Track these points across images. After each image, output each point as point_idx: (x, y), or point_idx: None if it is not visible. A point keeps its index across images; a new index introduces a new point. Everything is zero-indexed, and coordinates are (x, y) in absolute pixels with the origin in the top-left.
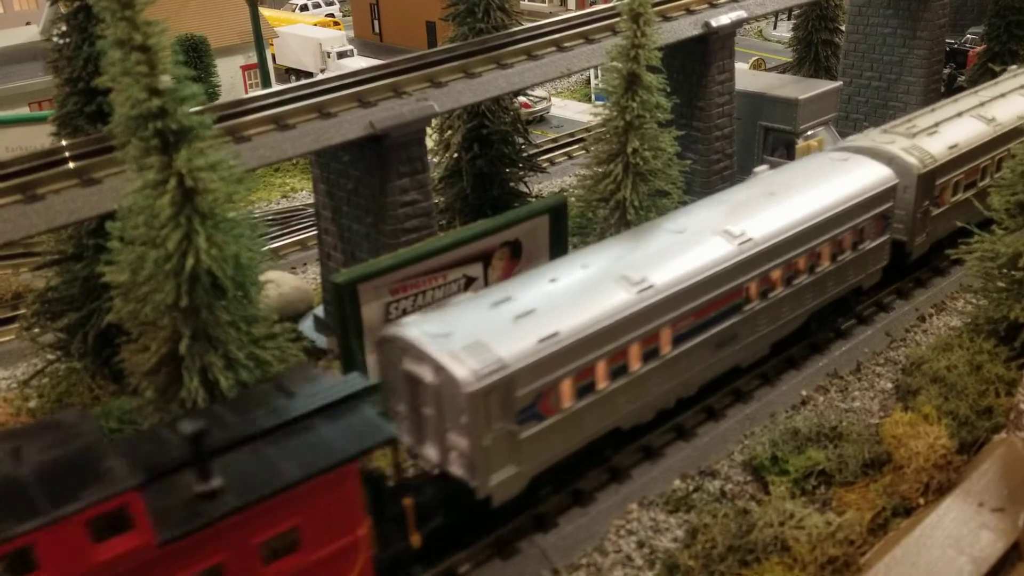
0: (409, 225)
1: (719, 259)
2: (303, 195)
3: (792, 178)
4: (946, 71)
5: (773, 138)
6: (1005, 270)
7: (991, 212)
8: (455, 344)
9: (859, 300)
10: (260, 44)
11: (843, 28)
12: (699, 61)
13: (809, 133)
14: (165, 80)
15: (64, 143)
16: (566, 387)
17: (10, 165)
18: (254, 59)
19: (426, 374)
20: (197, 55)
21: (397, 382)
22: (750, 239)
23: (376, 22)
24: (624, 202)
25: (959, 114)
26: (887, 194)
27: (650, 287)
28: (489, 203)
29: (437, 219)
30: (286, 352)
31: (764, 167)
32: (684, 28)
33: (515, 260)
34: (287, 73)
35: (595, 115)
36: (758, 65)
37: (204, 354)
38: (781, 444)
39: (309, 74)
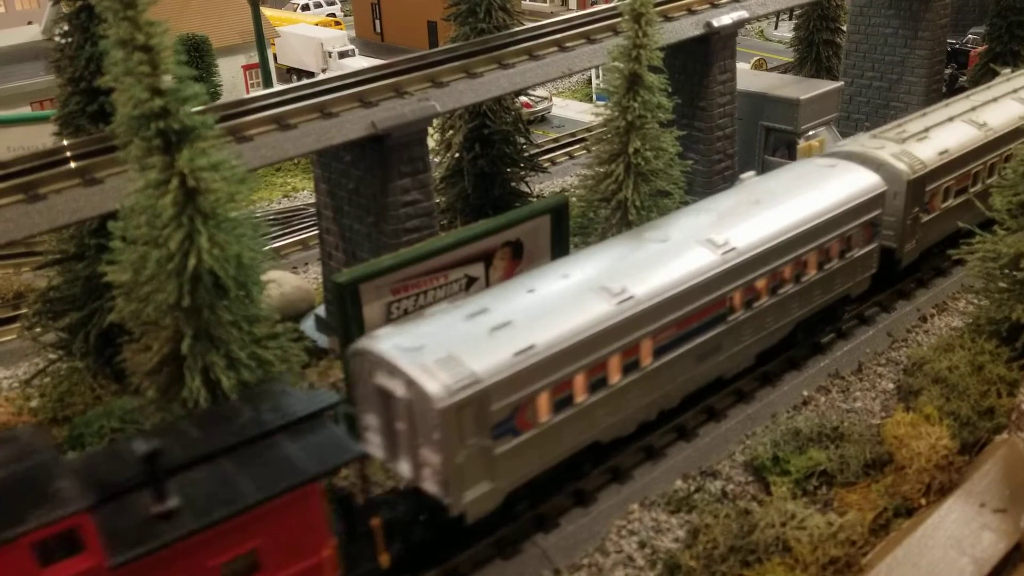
0: (410, 225)
1: (702, 269)
2: (304, 195)
3: (778, 185)
4: (948, 71)
5: (774, 138)
6: (1007, 270)
7: (993, 212)
8: (427, 358)
9: (847, 309)
10: (262, 44)
11: (844, 28)
12: (701, 61)
13: (810, 133)
14: (167, 80)
15: (66, 143)
16: (543, 401)
17: (12, 165)
18: (255, 59)
19: (397, 389)
20: (199, 55)
21: (369, 396)
22: (734, 248)
23: (377, 22)
24: (626, 202)
25: (950, 119)
26: (875, 201)
27: (630, 298)
28: (490, 203)
29: (438, 219)
30: (288, 352)
31: (751, 173)
32: (686, 28)
33: (516, 260)
34: (288, 73)
35: (596, 115)
36: (759, 65)
37: (206, 354)
38: (782, 444)
39: (311, 74)
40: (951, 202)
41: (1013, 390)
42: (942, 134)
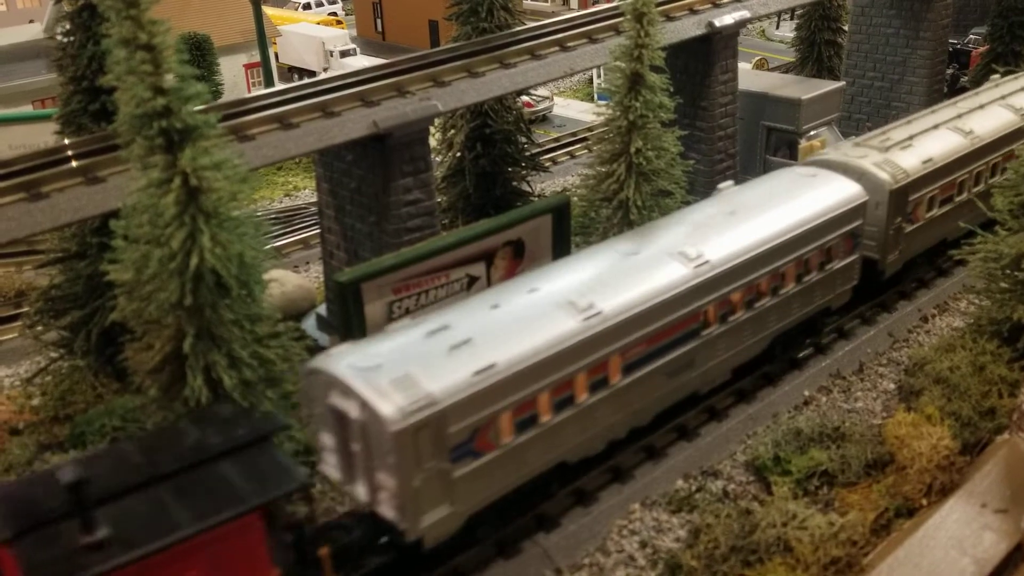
0: (412, 224)
1: (673, 283)
2: (306, 194)
3: (756, 196)
4: (949, 71)
5: (776, 138)
6: (1008, 271)
7: (994, 213)
8: (382, 378)
9: (827, 321)
10: (263, 43)
11: (846, 28)
12: (702, 61)
13: (812, 133)
14: (169, 79)
15: (67, 141)
16: (505, 421)
17: (14, 163)
18: (257, 58)
19: (352, 410)
20: (200, 54)
21: (324, 417)
22: (707, 261)
23: (379, 21)
24: (627, 202)
25: (935, 126)
26: (856, 212)
27: (597, 314)
28: (492, 202)
29: (440, 218)
30: (289, 351)
31: (728, 183)
32: (687, 28)
33: (518, 260)
34: (290, 72)
35: (598, 114)
36: (761, 65)
37: (208, 353)
38: (784, 444)
39: (312, 73)
40: (936, 212)
41: (1014, 390)
42: (926, 142)
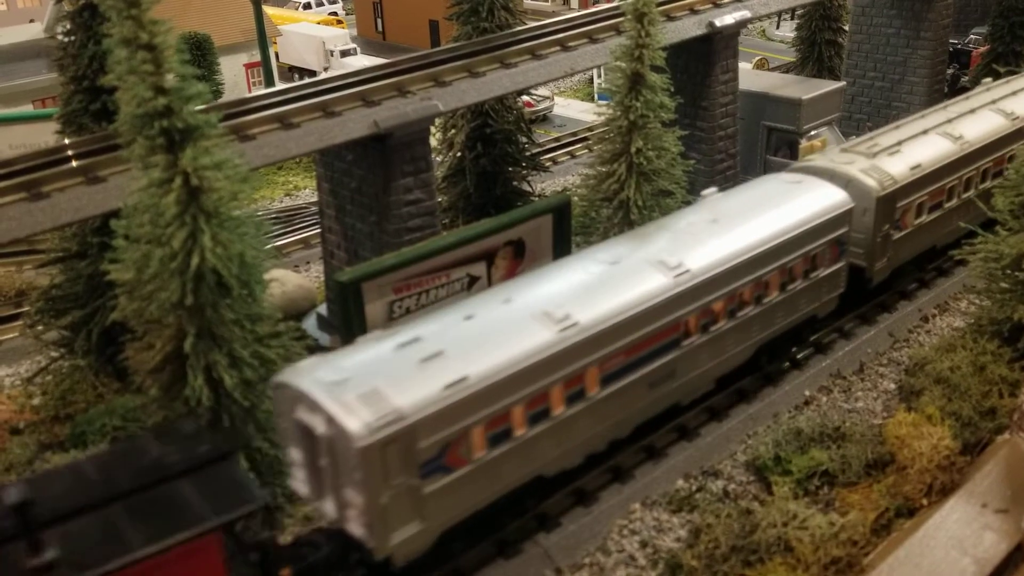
0: (413, 224)
1: (652, 292)
2: (306, 193)
3: (739, 203)
4: (950, 71)
5: (776, 138)
6: (1009, 271)
7: (995, 213)
8: (349, 393)
9: (814, 330)
10: (264, 42)
11: (847, 28)
12: (703, 61)
13: (812, 133)
14: (170, 79)
15: (67, 141)
16: (477, 436)
17: (15, 163)
18: (257, 57)
19: (318, 425)
20: (201, 53)
21: (292, 431)
22: (687, 270)
23: (379, 20)
24: (628, 202)
25: (924, 132)
26: (841, 219)
27: (574, 324)
28: (492, 202)
29: (440, 218)
30: (290, 350)
31: (712, 190)
32: (688, 28)
33: (518, 260)
34: (290, 71)
35: (598, 114)
36: (761, 65)
37: (208, 352)
38: (784, 444)
39: (312, 72)
40: (925, 218)
41: (1015, 390)
42: (915, 148)
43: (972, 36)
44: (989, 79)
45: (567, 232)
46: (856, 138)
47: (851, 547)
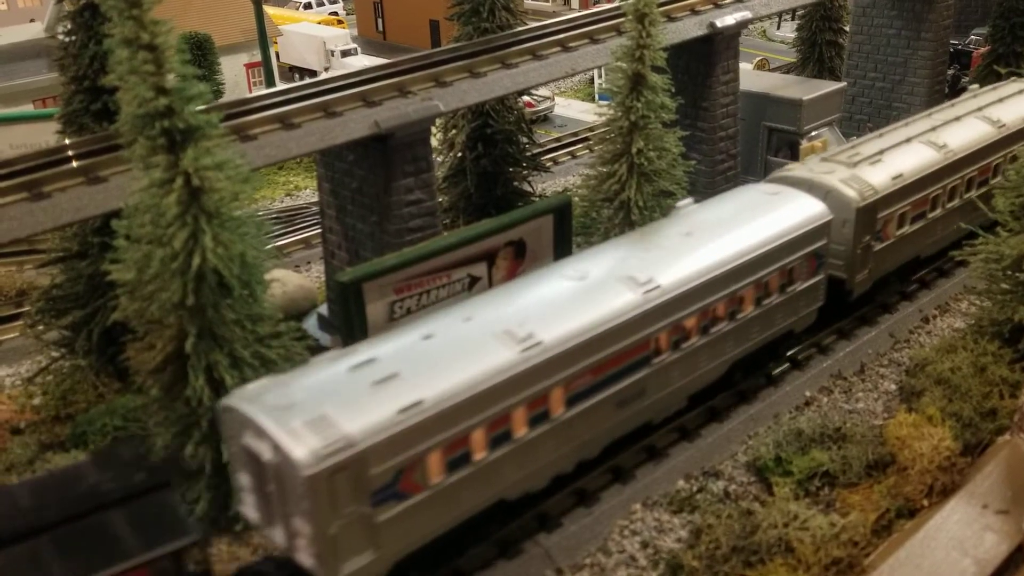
0: (413, 224)
1: (620, 310)
2: (307, 193)
3: (714, 215)
4: (950, 72)
5: (777, 139)
6: (1009, 272)
7: (996, 214)
8: (296, 419)
9: (792, 344)
10: (264, 42)
11: (847, 29)
12: (704, 61)
13: (813, 134)
14: (171, 79)
15: (67, 141)
16: (434, 461)
17: (16, 163)
18: (258, 57)
19: (264, 452)
20: (201, 53)
21: (240, 456)
22: (657, 286)
23: (380, 20)
24: (628, 202)
25: (907, 140)
26: (819, 231)
27: (537, 344)
28: (493, 202)
29: (441, 218)
30: (291, 350)
31: (687, 201)
32: (689, 28)
33: (519, 260)
34: (291, 71)
35: (599, 115)
36: (762, 65)
37: (209, 352)
38: (785, 445)
39: (313, 72)
40: (907, 229)
41: (1015, 391)
42: (897, 157)
43: (973, 37)
44: (976, 85)
45: (568, 233)
46: (856, 138)
47: (852, 548)
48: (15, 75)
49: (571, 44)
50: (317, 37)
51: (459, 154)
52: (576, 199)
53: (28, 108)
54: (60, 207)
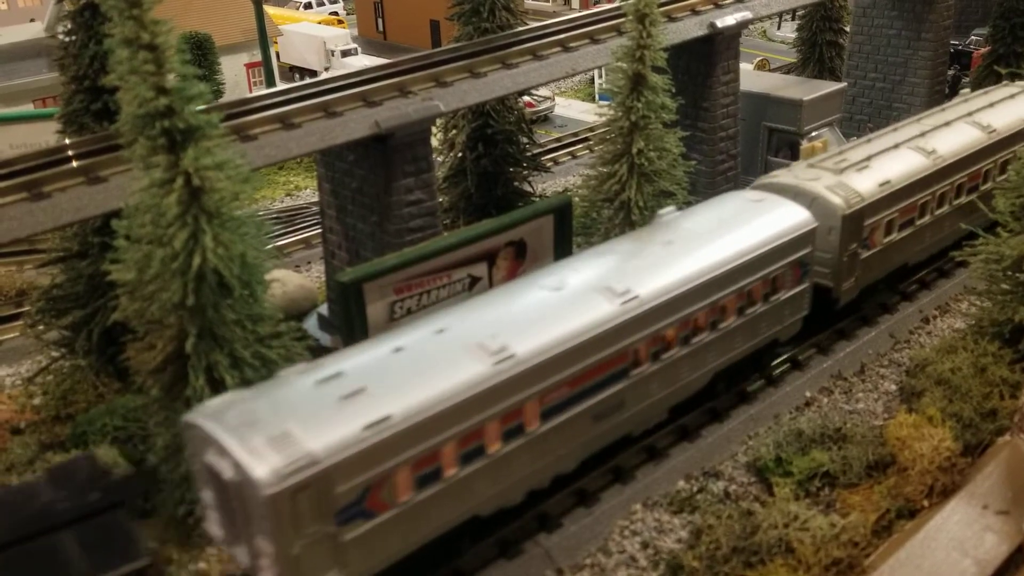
0: (414, 224)
1: (597, 321)
2: (307, 193)
3: (696, 223)
4: (950, 73)
5: (777, 139)
6: (1010, 272)
7: (996, 215)
8: (257, 436)
9: (777, 353)
10: (264, 42)
11: (847, 29)
12: (704, 62)
13: (813, 134)
14: (172, 79)
15: (68, 141)
16: (403, 478)
17: (16, 163)
18: (258, 57)
19: (225, 470)
20: (201, 53)
21: (203, 473)
22: (636, 296)
23: (380, 20)
24: (629, 202)
25: (896, 146)
26: (804, 239)
27: (510, 357)
28: (493, 202)
29: (441, 218)
30: (291, 351)
31: (670, 209)
32: (689, 29)
33: (519, 260)
34: (291, 71)
35: (600, 115)
36: (762, 66)
37: (210, 352)
38: (785, 445)
39: (313, 72)
40: (895, 236)
41: (1016, 392)
42: (885, 163)
43: (973, 37)
44: (967, 88)
45: (568, 233)
46: (855, 138)
47: (852, 548)
48: (15, 75)
49: (571, 44)
50: (317, 37)
51: (459, 154)
52: (576, 199)
53: (28, 108)
54: (60, 207)
